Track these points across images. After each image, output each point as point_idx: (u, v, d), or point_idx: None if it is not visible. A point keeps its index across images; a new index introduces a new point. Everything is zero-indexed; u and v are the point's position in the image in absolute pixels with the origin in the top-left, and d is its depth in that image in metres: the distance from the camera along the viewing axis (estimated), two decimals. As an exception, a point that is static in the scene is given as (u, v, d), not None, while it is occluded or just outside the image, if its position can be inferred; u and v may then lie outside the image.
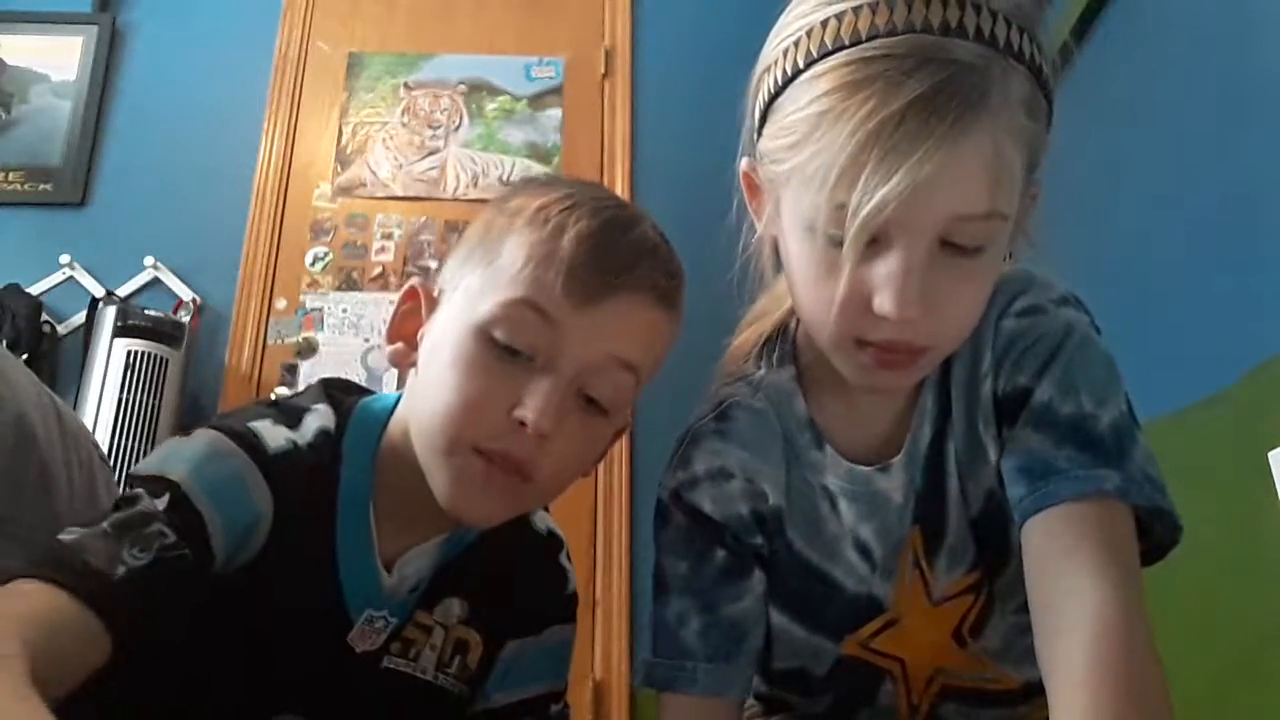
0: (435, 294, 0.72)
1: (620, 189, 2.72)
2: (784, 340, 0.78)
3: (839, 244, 0.59)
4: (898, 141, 0.56)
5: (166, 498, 0.61)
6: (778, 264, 0.72)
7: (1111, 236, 1.51)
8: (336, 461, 0.70)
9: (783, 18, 0.65)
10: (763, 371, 0.78)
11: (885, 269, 0.60)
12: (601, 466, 2.48)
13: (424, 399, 0.67)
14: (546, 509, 0.84)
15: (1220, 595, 1.19)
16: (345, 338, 2.55)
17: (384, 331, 0.77)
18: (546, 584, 0.81)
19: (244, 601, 0.67)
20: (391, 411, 0.74)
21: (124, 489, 0.64)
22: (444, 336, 0.67)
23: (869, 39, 0.58)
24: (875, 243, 0.59)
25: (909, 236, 0.59)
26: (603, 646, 2.31)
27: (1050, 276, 0.74)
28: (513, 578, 0.78)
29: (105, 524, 0.59)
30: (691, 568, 0.74)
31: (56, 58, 2.79)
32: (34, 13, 2.83)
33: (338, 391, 0.76)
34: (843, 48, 0.59)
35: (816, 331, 0.67)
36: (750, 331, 0.81)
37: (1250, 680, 1.14)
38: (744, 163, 0.70)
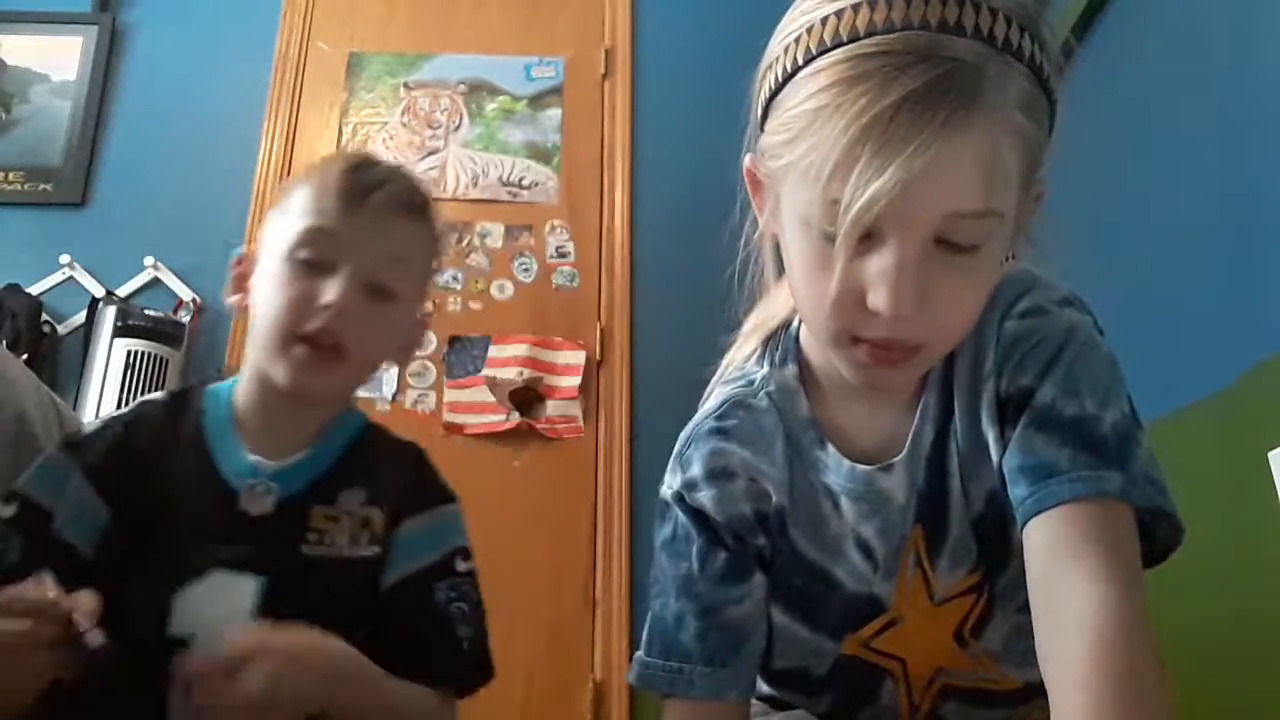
0: (254, 257, 0.94)
1: (620, 189, 2.72)
2: (786, 338, 0.78)
3: (833, 239, 0.59)
4: (890, 137, 0.56)
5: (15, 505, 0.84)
6: (779, 262, 0.72)
7: (1111, 236, 1.51)
8: (198, 410, 0.92)
9: (787, 15, 0.65)
10: (765, 370, 0.78)
11: (879, 265, 0.59)
12: (601, 466, 2.50)
13: (259, 321, 0.88)
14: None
15: (1220, 595, 1.19)
16: (345, 338, 2.55)
17: (227, 290, 0.97)
18: (425, 476, 0.96)
19: (153, 512, 0.86)
20: (236, 382, 0.95)
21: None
22: (263, 273, 0.90)
23: (866, 36, 0.58)
24: (869, 238, 0.59)
25: (903, 232, 0.59)
26: (603, 646, 2.31)
27: (1051, 277, 0.74)
28: (397, 471, 0.94)
29: None
30: (692, 569, 0.74)
31: (56, 58, 2.79)
32: (34, 13, 2.83)
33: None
34: (840, 44, 0.59)
35: (813, 327, 0.68)
36: (752, 332, 0.81)
37: (1250, 680, 1.14)
38: (747, 159, 0.71)
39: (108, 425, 0.91)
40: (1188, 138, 1.34)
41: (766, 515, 0.75)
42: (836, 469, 0.74)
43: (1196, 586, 1.14)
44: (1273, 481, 1.09)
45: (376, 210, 0.88)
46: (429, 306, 0.97)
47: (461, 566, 0.93)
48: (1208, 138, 1.30)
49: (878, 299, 0.59)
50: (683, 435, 0.79)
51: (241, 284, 0.94)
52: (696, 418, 0.79)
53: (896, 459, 0.73)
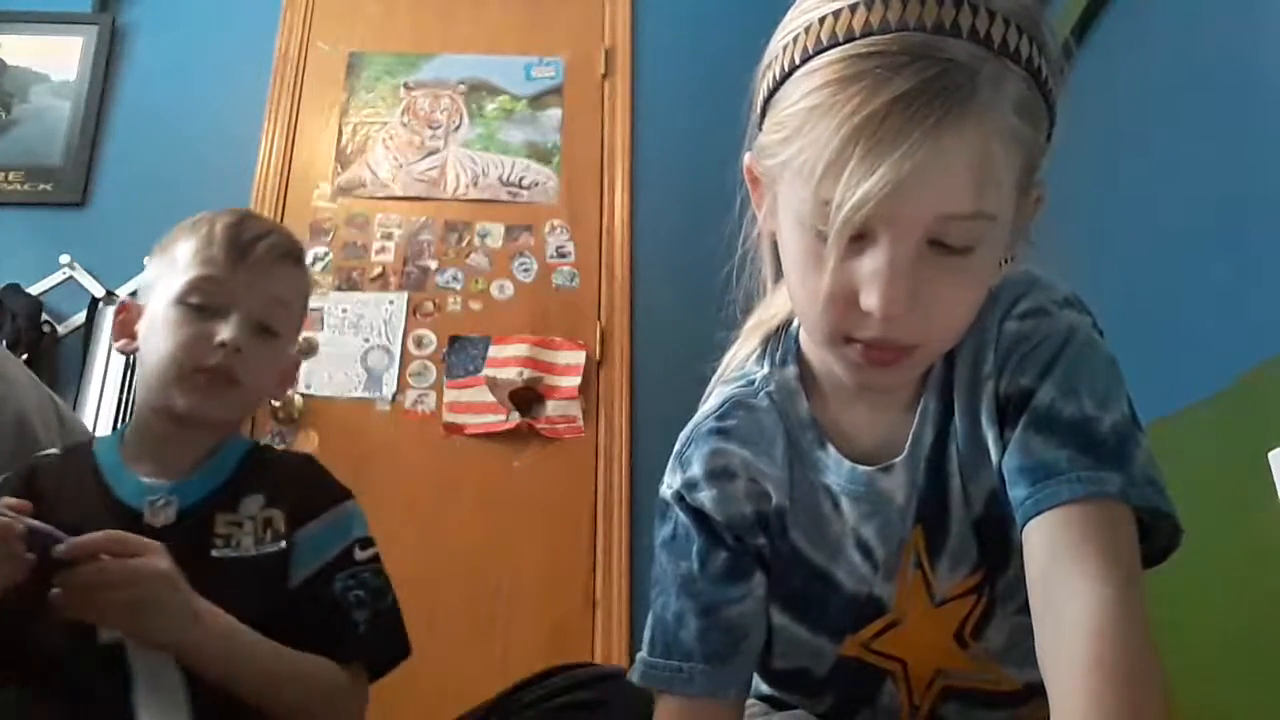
0: (140, 304, 1.02)
1: (620, 189, 2.72)
2: (787, 338, 0.78)
3: (825, 238, 0.60)
4: (881, 138, 0.56)
5: None
6: (777, 261, 0.72)
7: (1111, 236, 1.51)
8: (87, 452, 0.99)
9: (789, 13, 0.65)
10: (765, 369, 0.78)
11: (870, 265, 0.60)
12: (601, 466, 2.50)
13: (152, 362, 0.96)
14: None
15: (1220, 595, 1.19)
16: (345, 338, 2.55)
17: (113, 337, 1.06)
18: (317, 480, 1.03)
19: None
20: (122, 430, 1.03)
21: None
22: (154, 320, 0.98)
23: (862, 36, 0.58)
24: (862, 239, 0.60)
25: (894, 233, 0.59)
26: (603, 646, 2.31)
27: (1051, 278, 0.73)
28: (291, 478, 1.01)
29: None
30: (692, 568, 0.74)
31: (56, 58, 2.79)
32: (34, 13, 2.83)
33: None
34: (836, 44, 0.59)
35: (808, 326, 0.68)
36: (753, 331, 0.81)
37: (1250, 680, 1.14)
38: (747, 157, 0.71)
39: (6, 478, 0.95)
40: (1188, 138, 1.34)
41: (766, 516, 0.75)
42: (837, 469, 0.74)
43: (1196, 587, 1.14)
44: (1273, 481, 1.09)
45: (262, 259, 0.99)
46: (301, 344, 1.13)
47: (360, 555, 0.98)
48: (1208, 137, 1.30)
49: (869, 299, 0.60)
50: (683, 435, 0.79)
51: (127, 329, 1.02)
52: (697, 417, 0.79)
53: (897, 460, 0.73)
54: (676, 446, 0.79)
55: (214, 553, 0.92)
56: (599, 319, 2.60)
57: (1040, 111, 0.62)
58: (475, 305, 2.61)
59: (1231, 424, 1.19)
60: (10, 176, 2.64)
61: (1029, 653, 0.63)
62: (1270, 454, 1.09)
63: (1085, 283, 0.75)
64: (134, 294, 1.07)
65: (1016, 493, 0.65)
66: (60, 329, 2.46)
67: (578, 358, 2.55)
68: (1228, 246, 1.24)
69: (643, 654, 0.76)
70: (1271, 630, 1.11)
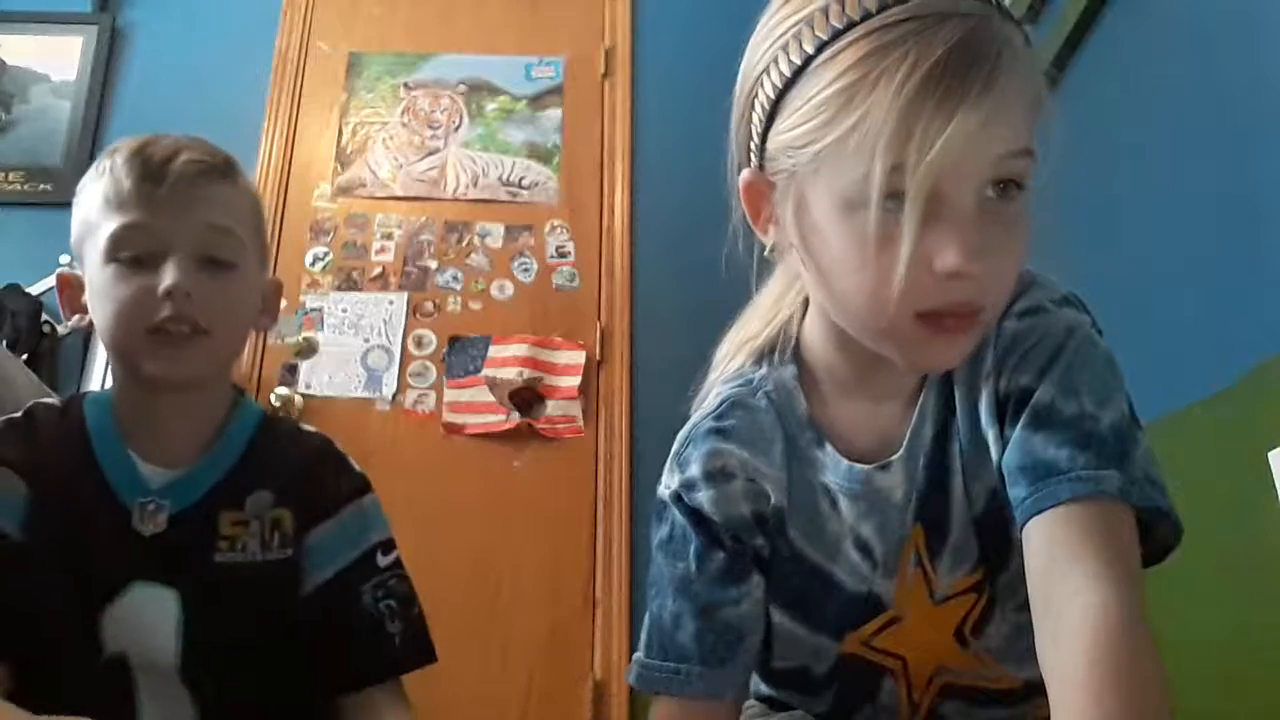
0: (78, 272, 0.91)
1: (620, 189, 2.72)
2: (785, 340, 0.78)
3: (894, 210, 0.59)
4: (949, 86, 0.57)
5: None
6: (768, 271, 0.73)
7: (1111, 236, 1.51)
8: (78, 418, 0.89)
9: (761, 28, 0.67)
10: (763, 370, 0.78)
11: (945, 226, 0.60)
12: (602, 466, 2.50)
13: (104, 329, 0.86)
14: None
15: (1220, 595, 1.19)
16: (345, 338, 2.55)
17: (63, 316, 0.95)
18: (333, 470, 0.94)
19: (51, 524, 0.84)
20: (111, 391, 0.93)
21: None
22: (93, 284, 0.86)
23: (879, 11, 0.60)
24: (930, 199, 0.60)
25: (961, 186, 0.60)
26: (603, 646, 2.31)
27: (1051, 277, 0.74)
28: (303, 468, 0.92)
29: None
30: (689, 569, 0.74)
31: (56, 58, 2.79)
32: (34, 13, 2.83)
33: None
34: (854, 24, 0.60)
35: (867, 317, 0.65)
36: (738, 351, 0.81)
37: (1251, 681, 1.14)
38: (744, 175, 0.70)
39: (9, 422, 0.89)
40: (1188, 137, 1.34)
41: (765, 515, 0.75)
42: (835, 468, 0.74)
43: (1196, 587, 1.14)
44: (1273, 481, 1.09)
45: (179, 186, 0.85)
46: (271, 271, 1.00)
47: (383, 561, 0.91)
48: (1208, 137, 1.29)
49: (947, 259, 0.59)
50: (681, 435, 0.79)
51: (74, 302, 0.91)
52: (695, 417, 0.79)
53: (894, 457, 0.73)
54: (674, 447, 0.78)
55: (217, 557, 0.86)
56: (599, 319, 2.60)
57: (1036, 57, 0.65)
58: (475, 305, 2.61)
59: (1231, 424, 1.19)
60: (10, 176, 2.65)
61: (1029, 651, 0.63)
62: (1270, 454, 1.09)
63: (1086, 282, 0.75)
64: (71, 264, 0.94)
65: (1016, 491, 0.65)
66: (60, 329, 2.47)
67: (578, 358, 2.55)
68: (1228, 246, 1.24)
69: (639, 655, 0.76)
70: (1271, 630, 1.10)
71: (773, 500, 0.75)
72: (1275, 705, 1.09)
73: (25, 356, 2.28)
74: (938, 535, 0.73)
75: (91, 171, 0.88)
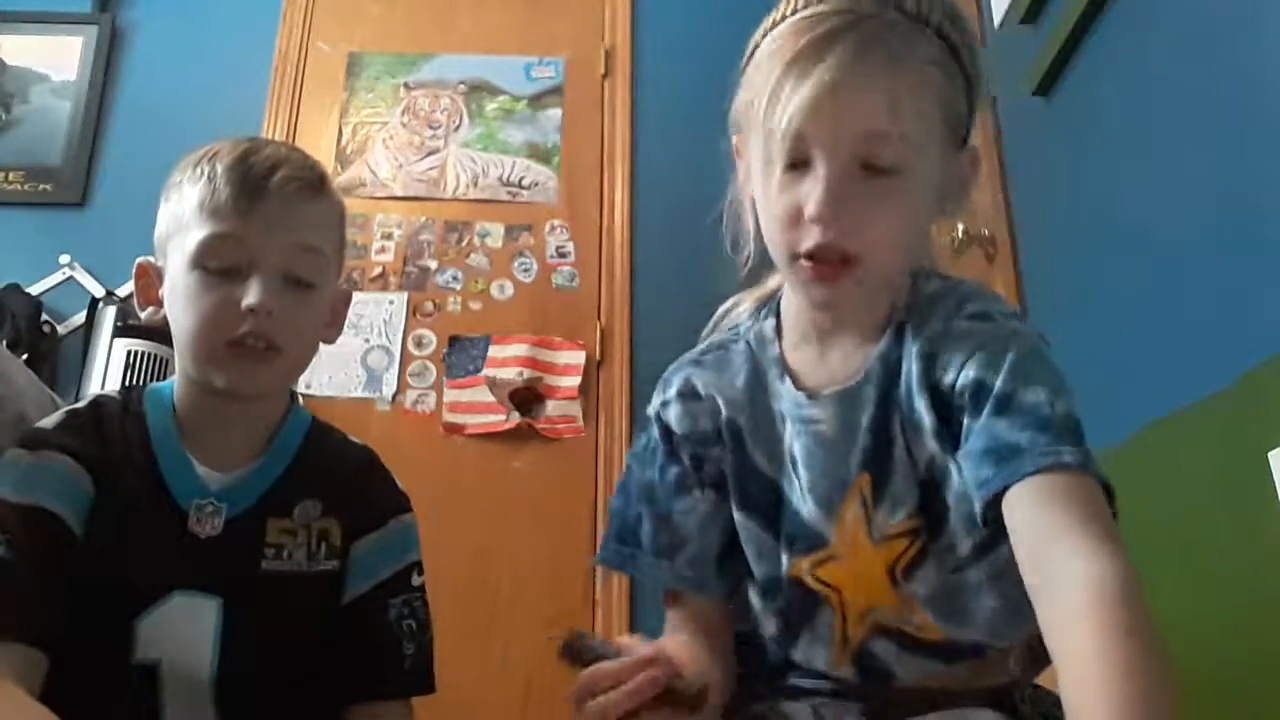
0: (159, 264, 0.91)
1: (620, 189, 2.72)
2: (774, 301, 0.90)
3: (779, 167, 0.73)
4: (805, 67, 0.71)
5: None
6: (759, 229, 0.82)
7: (1111, 236, 1.51)
8: (139, 414, 0.89)
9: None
10: (750, 323, 0.90)
11: (810, 180, 0.73)
12: (601, 466, 2.50)
13: (181, 333, 0.86)
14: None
15: (1220, 595, 1.19)
16: (345, 337, 2.52)
17: (137, 306, 0.95)
18: (381, 483, 0.97)
19: (107, 524, 0.83)
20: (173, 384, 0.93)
21: None
22: (175, 285, 0.87)
23: (804, 7, 0.74)
24: (806, 165, 0.73)
25: (827, 152, 0.72)
26: (603, 646, 2.31)
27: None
28: (351, 479, 0.94)
29: None
30: (653, 478, 0.87)
31: (56, 58, 2.80)
32: (34, 13, 2.83)
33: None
34: (787, 18, 0.75)
35: (773, 254, 0.79)
36: (747, 297, 0.93)
37: (1251, 681, 1.14)
38: (735, 138, 0.84)
39: (75, 413, 0.89)
40: (1187, 137, 1.34)
41: (722, 430, 0.86)
42: (789, 398, 0.84)
43: (1196, 586, 1.13)
44: (1273, 481, 1.09)
45: (277, 202, 0.85)
46: (344, 282, 1.02)
47: (416, 581, 0.94)
48: (1207, 137, 1.30)
49: (809, 209, 0.72)
50: (670, 366, 0.92)
51: (150, 295, 0.91)
52: (685, 355, 0.92)
53: (825, 393, 0.81)
54: (664, 374, 0.92)
55: (264, 564, 0.86)
56: (599, 319, 2.60)
57: (956, 75, 0.75)
58: (475, 305, 2.61)
59: (1231, 424, 1.19)
60: (10, 176, 2.65)
61: (956, 611, 0.75)
62: (1270, 454, 1.09)
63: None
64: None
65: (982, 472, 0.70)
66: (60, 329, 2.47)
67: (578, 358, 2.55)
68: (1227, 246, 1.24)
69: (604, 540, 0.91)
70: (1272, 630, 1.11)
71: (731, 415, 0.85)
72: (1275, 705, 1.09)
73: (25, 356, 2.28)
74: (881, 483, 0.79)
75: (189, 169, 0.89)
